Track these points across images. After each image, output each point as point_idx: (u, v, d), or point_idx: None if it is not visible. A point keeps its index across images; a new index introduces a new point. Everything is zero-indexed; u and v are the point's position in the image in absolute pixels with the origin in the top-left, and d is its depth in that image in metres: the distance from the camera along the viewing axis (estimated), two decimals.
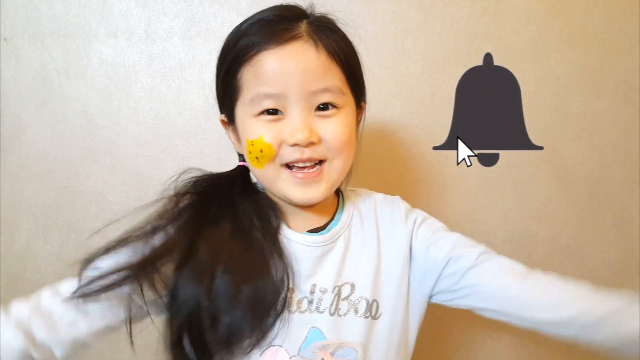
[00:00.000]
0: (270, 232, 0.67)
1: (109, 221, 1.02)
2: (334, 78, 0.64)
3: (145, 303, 0.63)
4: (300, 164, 0.64)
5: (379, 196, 0.77)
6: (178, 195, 0.67)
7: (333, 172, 0.66)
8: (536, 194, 1.09)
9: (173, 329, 0.63)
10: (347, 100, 0.66)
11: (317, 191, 0.65)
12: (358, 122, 0.73)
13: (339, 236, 0.70)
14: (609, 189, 1.09)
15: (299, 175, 0.64)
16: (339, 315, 0.66)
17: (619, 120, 1.08)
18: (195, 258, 0.62)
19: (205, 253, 0.62)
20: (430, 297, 0.72)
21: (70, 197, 1.03)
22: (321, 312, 0.66)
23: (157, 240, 0.63)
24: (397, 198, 0.77)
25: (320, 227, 0.71)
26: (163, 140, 1.03)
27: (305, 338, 0.64)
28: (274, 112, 0.63)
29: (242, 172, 0.73)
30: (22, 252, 1.04)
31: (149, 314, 0.65)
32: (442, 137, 1.06)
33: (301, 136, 0.61)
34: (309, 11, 0.67)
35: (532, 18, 1.04)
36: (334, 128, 0.64)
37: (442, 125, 1.05)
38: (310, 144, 0.62)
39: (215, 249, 0.63)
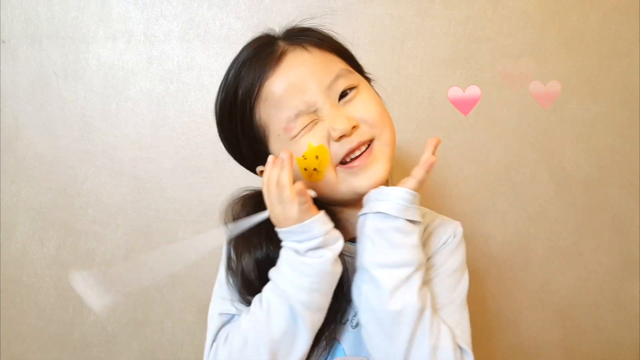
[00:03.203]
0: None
1: (106, 224, 1.03)
2: (336, 63, 0.66)
3: None
4: (352, 155, 0.64)
5: (438, 219, 0.73)
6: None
7: (385, 147, 0.65)
8: (534, 196, 1.09)
9: None
10: (358, 77, 0.67)
11: (378, 171, 0.64)
12: None
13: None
14: (607, 192, 1.10)
15: (355, 164, 0.63)
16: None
17: (617, 123, 1.08)
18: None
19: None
20: None
21: (67, 199, 1.03)
22: (343, 324, 0.65)
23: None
24: (458, 224, 0.73)
25: None
26: (161, 143, 1.03)
27: (329, 353, 0.64)
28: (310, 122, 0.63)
29: None
30: (18, 255, 1.03)
31: None
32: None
33: (342, 126, 0.61)
34: (277, 33, 0.69)
35: (529, 21, 1.05)
36: (364, 105, 0.64)
37: (440, 127, 1.05)
38: (353, 128, 0.62)
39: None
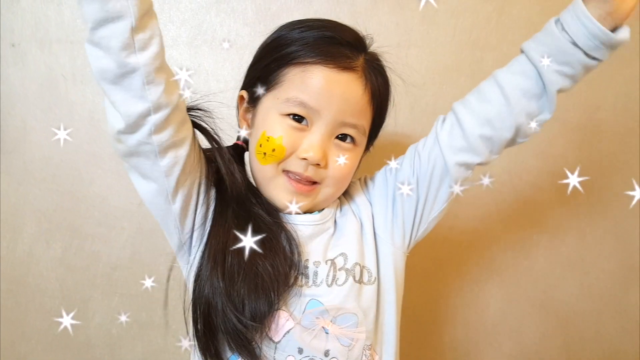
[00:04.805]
0: (273, 212, 0.69)
1: (112, 227, 1.04)
2: (365, 119, 0.69)
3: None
4: (297, 177, 0.68)
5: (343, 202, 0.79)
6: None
7: (321, 196, 0.70)
8: (537, 203, 1.10)
9: (197, 314, 0.69)
10: (363, 141, 0.72)
11: (302, 205, 0.68)
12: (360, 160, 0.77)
13: (329, 219, 0.72)
14: (609, 199, 1.10)
15: (294, 184, 0.68)
16: (338, 285, 0.68)
17: (619, 130, 1.09)
18: (209, 241, 0.66)
19: (215, 237, 0.65)
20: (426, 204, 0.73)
21: (74, 202, 1.04)
22: (318, 285, 0.67)
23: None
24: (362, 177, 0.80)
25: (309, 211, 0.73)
26: None
27: (304, 310, 0.66)
28: (299, 119, 0.66)
29: (238, 153, 0.74)
30: (24, 257, 1.04)
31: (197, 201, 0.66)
32: None
33: (314, 155, 0.65)
34: (367, 43, 0.71)
35: (533, 29, 1.05)
36: (343, 161, 0.68)
37: None
38: (317, 165, 0.66)
39: (223, 231, 0.65)
